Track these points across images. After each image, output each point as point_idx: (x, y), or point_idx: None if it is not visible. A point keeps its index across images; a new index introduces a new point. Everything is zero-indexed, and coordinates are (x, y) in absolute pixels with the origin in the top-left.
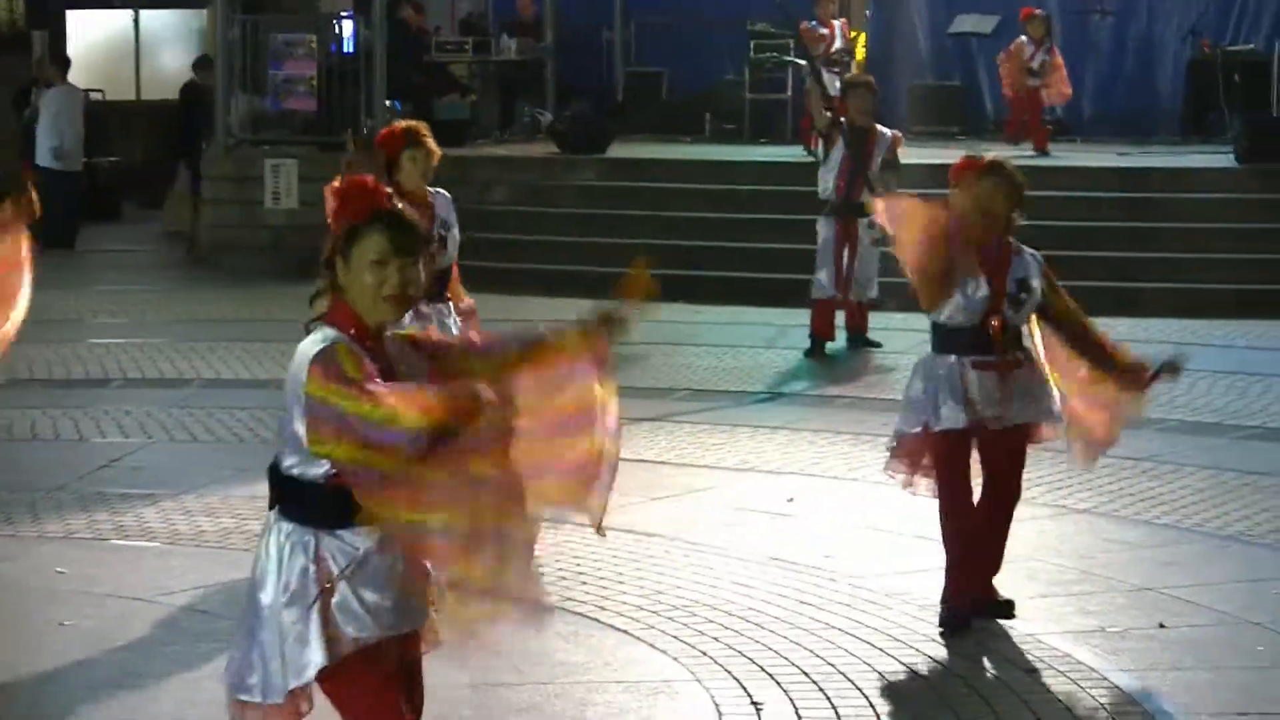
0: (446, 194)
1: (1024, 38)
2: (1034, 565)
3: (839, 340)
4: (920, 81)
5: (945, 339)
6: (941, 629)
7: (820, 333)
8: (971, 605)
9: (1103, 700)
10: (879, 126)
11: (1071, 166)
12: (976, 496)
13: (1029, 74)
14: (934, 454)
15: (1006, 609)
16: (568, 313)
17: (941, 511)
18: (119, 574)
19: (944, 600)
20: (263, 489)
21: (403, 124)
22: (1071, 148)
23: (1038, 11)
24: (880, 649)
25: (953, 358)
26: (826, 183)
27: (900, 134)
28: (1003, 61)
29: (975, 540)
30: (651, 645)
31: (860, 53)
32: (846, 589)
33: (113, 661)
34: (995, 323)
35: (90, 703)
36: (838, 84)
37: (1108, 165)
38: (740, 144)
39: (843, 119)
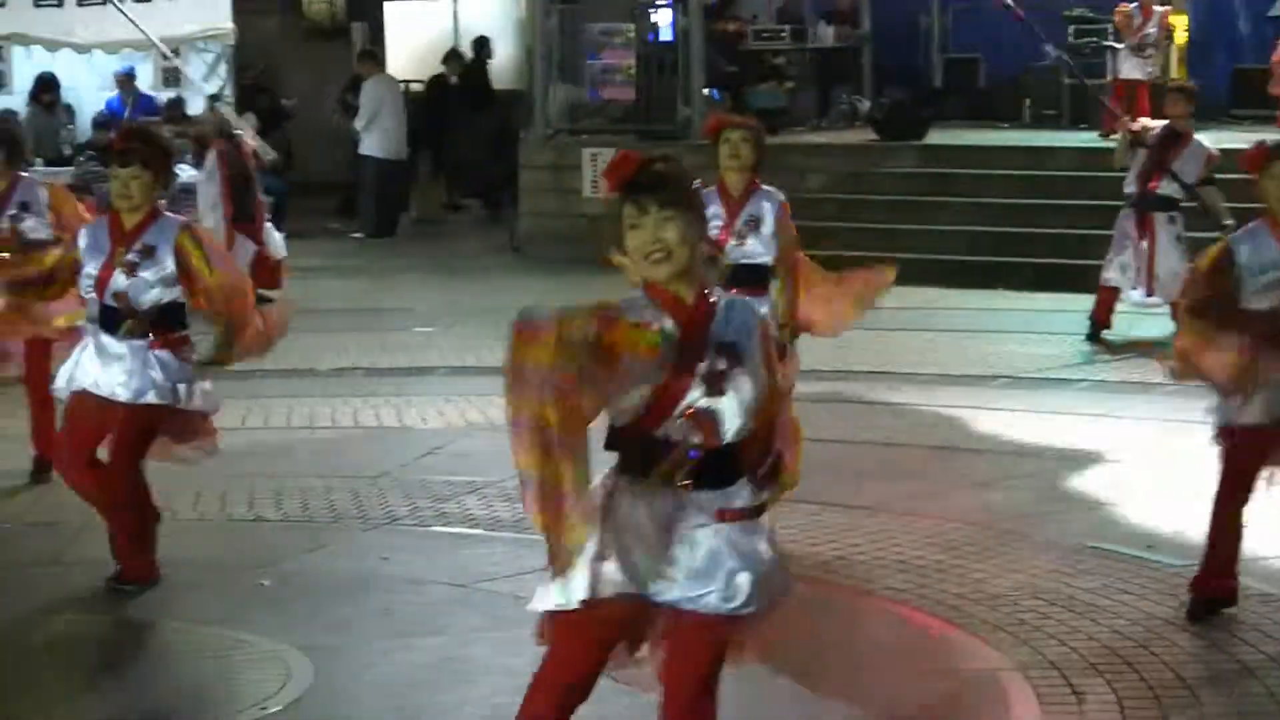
0: (774, 192)
1: None
2: None
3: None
4: (1241, 65)
5: None
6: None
7: (1098, 318)
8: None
9: None
10: (1196, 136)
11: None
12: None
13: None
14: (1239, 447)
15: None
16: (880, 299)
17: (1220, 499)
18: (441, 561)
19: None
20: None
21: (716, 116)
22: None
23: None
24: (1205, 639)
25: None
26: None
27: (1218, 153)
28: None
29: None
30: (972, 634)
31: (1181, 37)
32: (1168, 577)
33: (433, 647)
34: None
35: (410, 687)
36: (1148, 69)
37: None
38: (1059, 129)
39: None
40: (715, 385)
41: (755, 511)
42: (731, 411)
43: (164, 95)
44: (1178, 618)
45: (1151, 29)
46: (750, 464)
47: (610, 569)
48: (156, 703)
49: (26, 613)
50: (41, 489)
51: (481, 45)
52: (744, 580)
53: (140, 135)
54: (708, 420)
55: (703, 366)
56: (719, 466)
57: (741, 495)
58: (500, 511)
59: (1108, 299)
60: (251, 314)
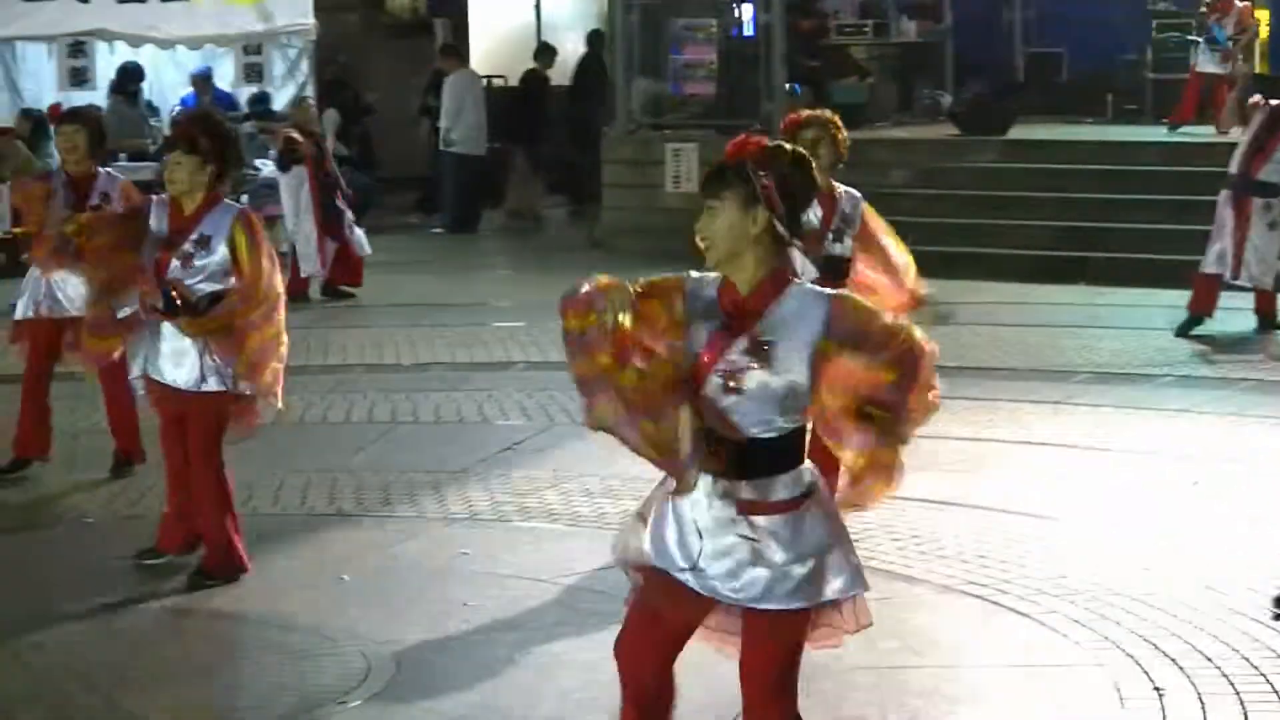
0: (856, 194)
1: None
2: None
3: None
4: None
5: None
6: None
7: (1197, 309)
8: None
9: None
10: None
11: None
12: None
13: None
14: None
15: None
16: (963, 294)
17: None
18: (521, 555)
19: None
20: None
21: (804, 113)
22: None
23: None
24: None
25: None
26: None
27: None
28: None
29: None
30: (1053, 629)
31: (1264, 32)
32: (1254, 575)
33: (513, 641)
34: None
35: (490, 681)
36: (1229, 64)
37: None
38: (1142, 124)
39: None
40: (733, 380)
41: (798, 502)
42: (747, 409)
43: (245, 91)
44: (1261, 614)
45: (1228, 27)
46: (793, 459)
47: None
48: (237, 696)
49: (114, 607)
50: (125, 482)
51: (595, 38)
52: (796, 573)
53: (199, 121)
54: (723, 414)
55: (728, 360)
56: (754, 459)
57: (783, 487)
58: (580, 506)
59: (1208, 287)
60: (257, 323)
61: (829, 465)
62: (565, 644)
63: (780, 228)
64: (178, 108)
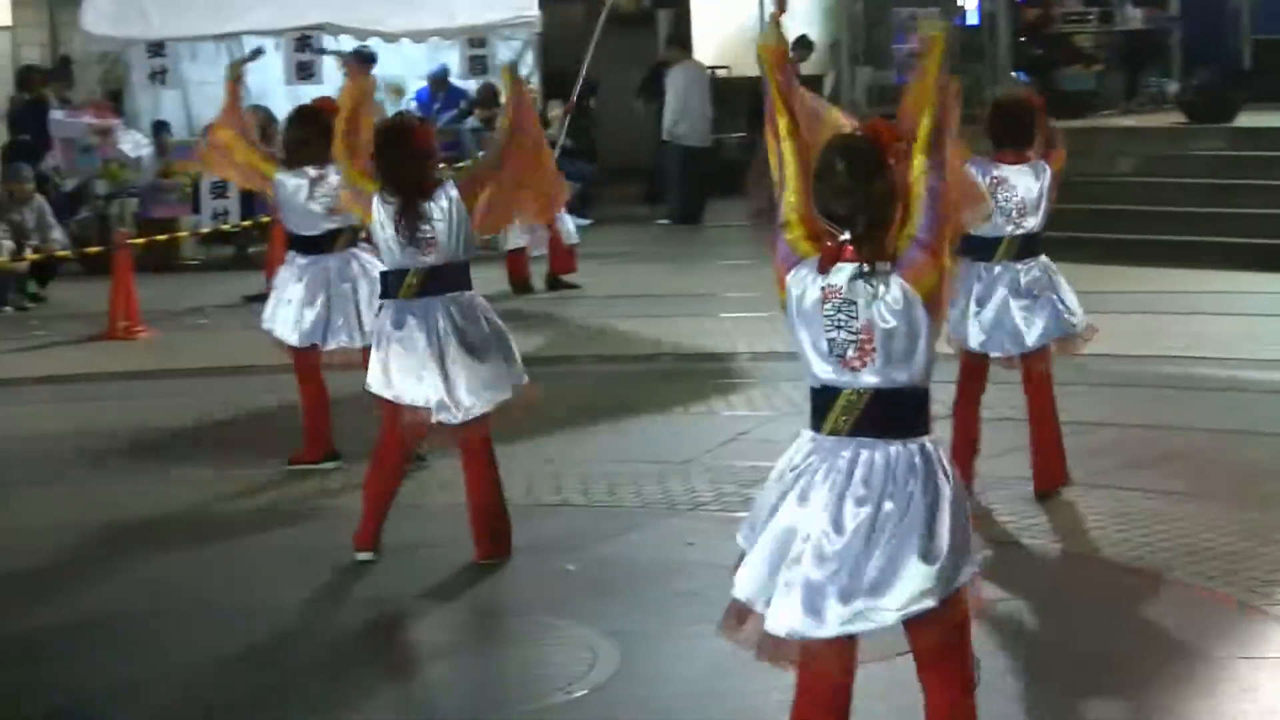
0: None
1: None
2: None
3: None
4: None
5: None
6: None
7: None
8: None
9: None
10: None
11: None
12: None
13: None
14: None
15: None
16: (1191, 284)
17: None
18: None
19: None
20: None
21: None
22: None
23: None
24: None
25: None
26: None
27: None
28: None
29: None
30: (1276, 620)
31: None
32: None
33: None
34: None
35: (716, 674)
36: None
37: None
38: None
39: None
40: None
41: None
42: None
43: (472, 83)
44: None
45: None
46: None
47: None
48: (464, 683)
49: (342, 597)
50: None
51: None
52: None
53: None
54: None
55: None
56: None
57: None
58: None
59: None
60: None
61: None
62: None
63: None
64: (413, 103)
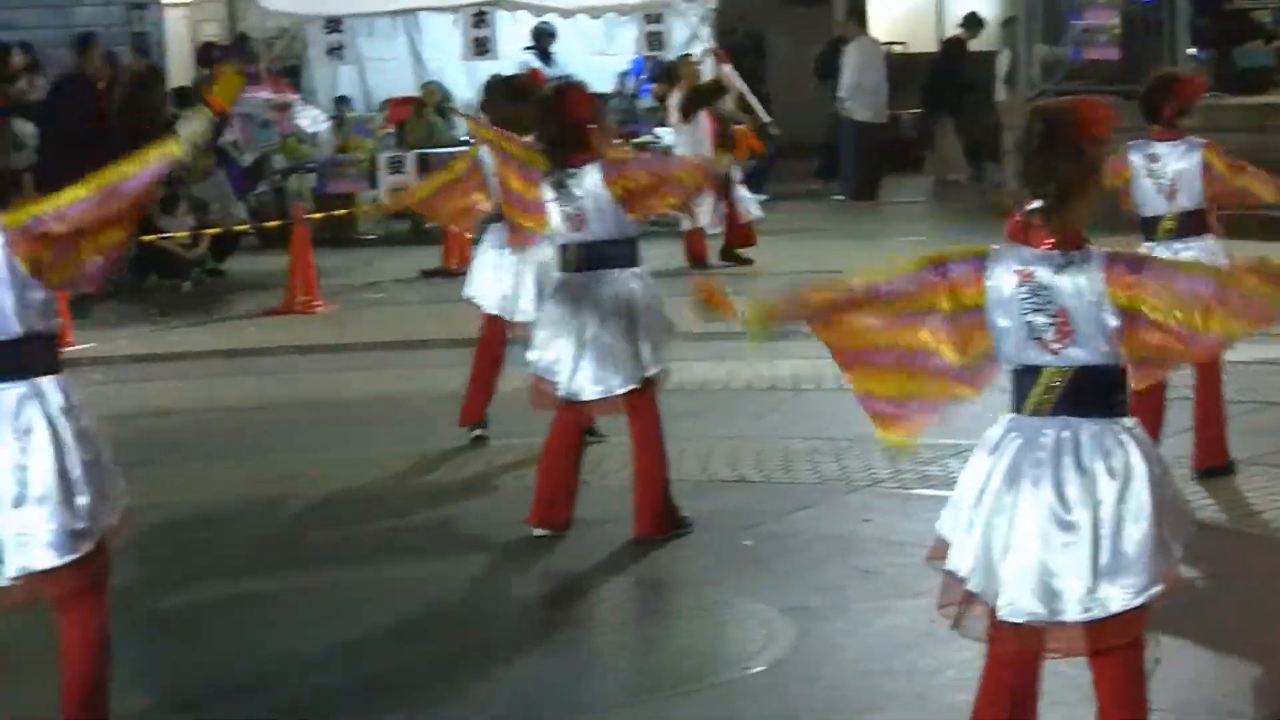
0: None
1: None
2: None
3: None
4: None
5: None
6: None
7: None
8: None
9: None
10: None
11: None
12: None
13: None
14: None
15: None
16: None
17: None
18: (923, 524)
19: None
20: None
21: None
22: None
23: None
24: None
25: None
26: None
27: None
28: None
29: None
30: None
31: None
32: None
33: (915, 610)
34: None
35: (892, 651)
36: None
37: None
38: None
39: None
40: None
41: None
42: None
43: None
44: None
45: None
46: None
47: None
48: (642, 658)
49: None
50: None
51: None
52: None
53: None
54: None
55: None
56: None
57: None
58: None
59: None
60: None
61: None
62: None
63: None
64: (626, 73)
